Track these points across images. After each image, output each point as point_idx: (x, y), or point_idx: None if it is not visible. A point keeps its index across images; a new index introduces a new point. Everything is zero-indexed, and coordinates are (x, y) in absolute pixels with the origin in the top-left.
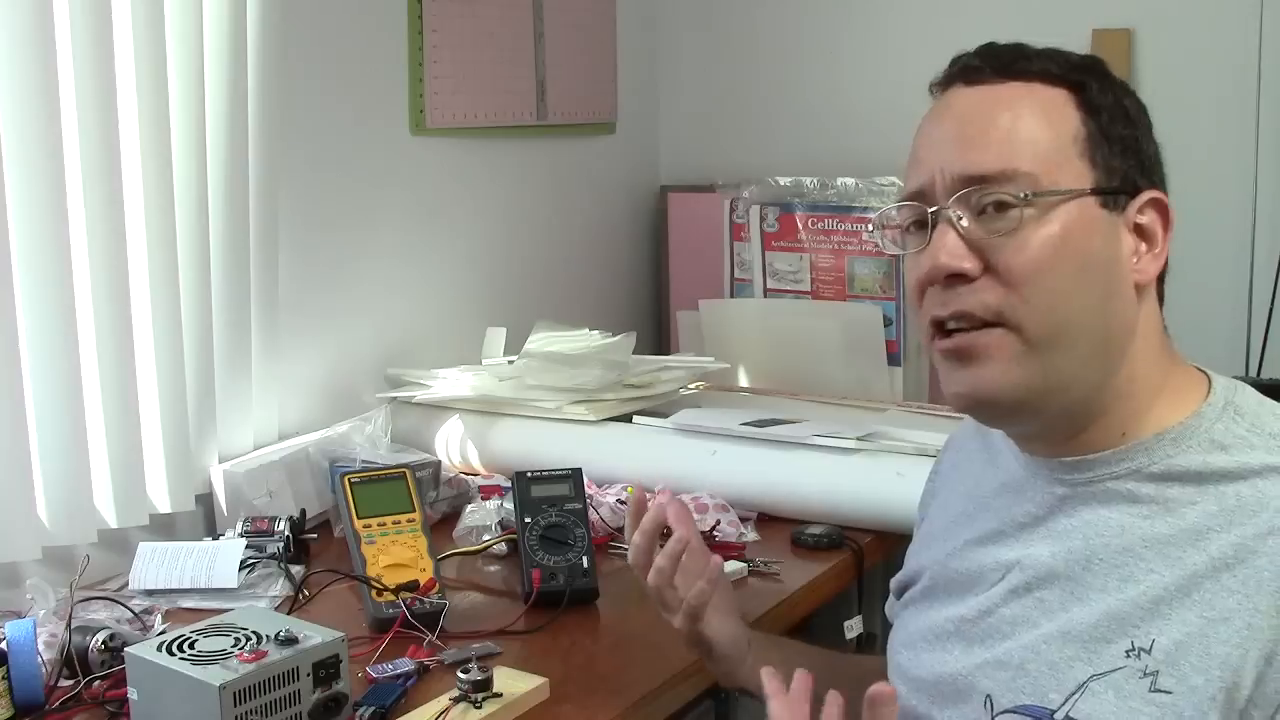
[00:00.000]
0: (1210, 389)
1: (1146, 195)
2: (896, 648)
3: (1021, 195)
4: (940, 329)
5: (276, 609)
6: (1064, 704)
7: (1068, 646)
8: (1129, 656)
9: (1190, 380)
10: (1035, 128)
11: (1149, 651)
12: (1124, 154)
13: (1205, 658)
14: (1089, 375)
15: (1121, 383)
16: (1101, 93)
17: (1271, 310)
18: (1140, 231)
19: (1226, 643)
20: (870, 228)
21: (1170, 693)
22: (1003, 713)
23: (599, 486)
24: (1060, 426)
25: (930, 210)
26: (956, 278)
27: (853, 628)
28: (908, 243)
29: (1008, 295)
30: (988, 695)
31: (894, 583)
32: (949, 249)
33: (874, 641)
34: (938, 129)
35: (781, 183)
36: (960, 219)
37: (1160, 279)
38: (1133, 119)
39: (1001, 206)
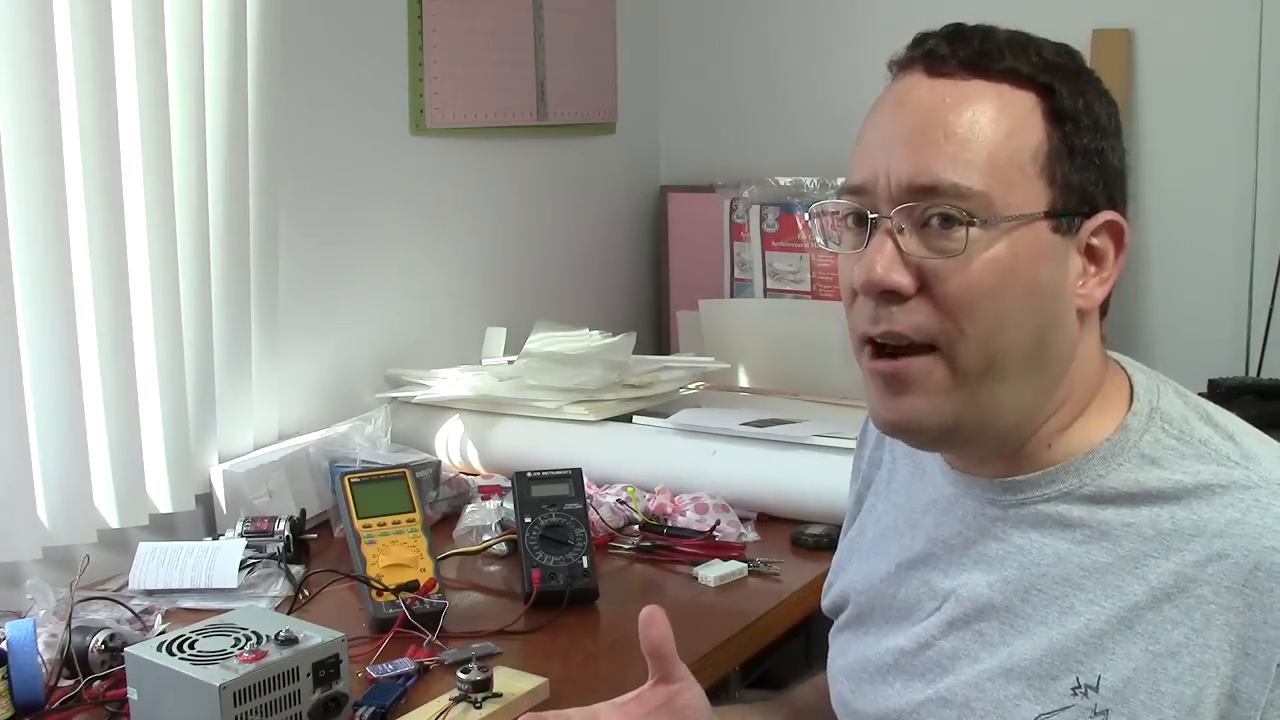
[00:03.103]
0: (1132, 394)
1: (1103, 217)
2: (836, 676)
3: (970, 216)
4: (873, 345)
5: (276, 609)
6: None
7: (1012, 684)
8: (1075, 695)
9: (1115, 385)
10: (994, 139)
11: (1095, 689)
12: (1086, 169)
13: (1155, 695)
14: (1019, 403)
15: (1054, 404)
16: (1072, 98)
17: (1271, 310)
18: (1090, 253)
19: (1178, 680)
20: (807, 215)
21: None
22: None
23: (599, 486)
24: (990, 450)
25: (870, 215)
26: (890, 294)
27: None
28: (844, 239)
29: (943, 321)
30: None
31: (826, 604)
32: (885, 263)
33: None
34: (891, 122)
35: (781, 183)
36: (901, 231)
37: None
38: (1102, 128)
39: (948, 222)
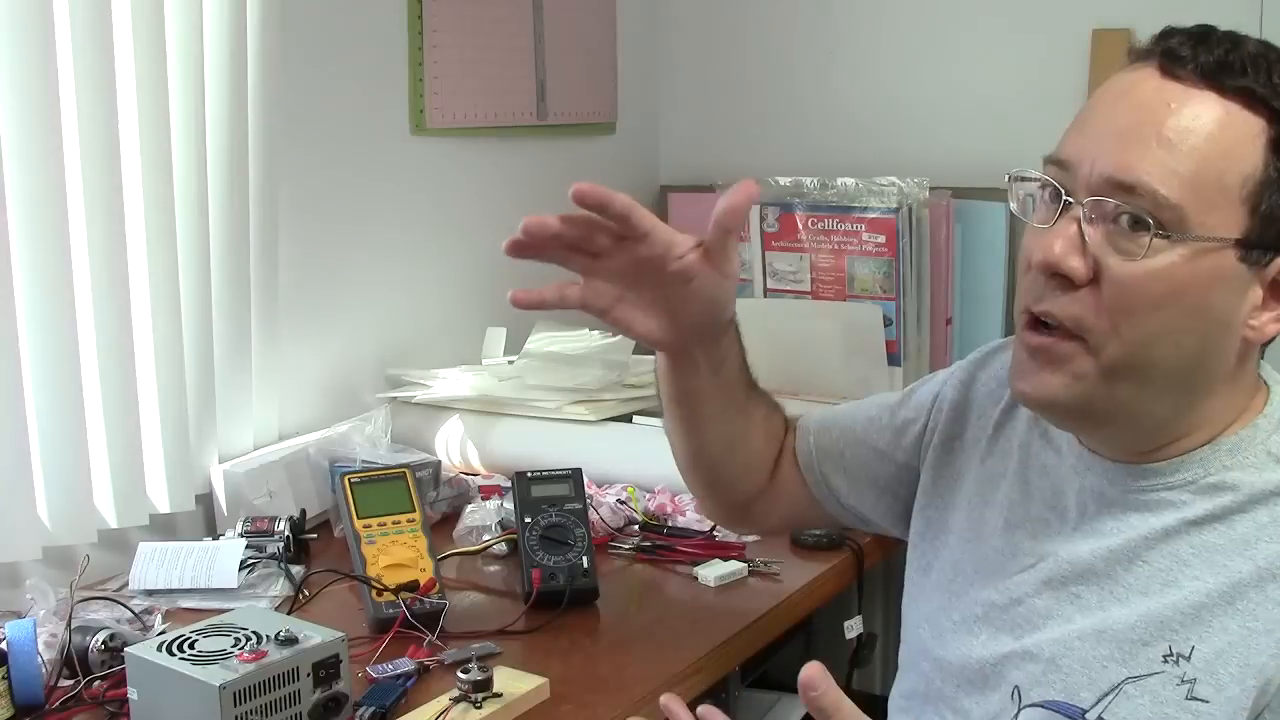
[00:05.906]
0: (1269, 399)
1: None
2: (918, 621)
3: (1160, 226)
4: (1033, 319)
5: (276, 609)
6: (1096, 704)
7: (1102, 646)
8: (1166, 662)
9: (1257, 391)
10: (1206, 155)
11: (1188, 659)
12: None
13: (1244, 668)
14: (1157, 411)
15: (1199, 417)
16: None
17: None
18: (1274, 289)
19: (1264, 652)
20: (1006, 178)
21: (1207, 701)
22: (1031, 706)
23: (599, 486)
24: (1123, 442)
25: (1065, 197)
26: (1061, 277)
27: (852, 628)
28: (1036, 209)
29: (1100, 318)
30: (1016, 686)
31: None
32: (1064, 247)
33: (874, 642)
34: (1110, 110)
35: (781, 183)
36: (1091, 220)
37: None
38: None
39: (1137, 225)
